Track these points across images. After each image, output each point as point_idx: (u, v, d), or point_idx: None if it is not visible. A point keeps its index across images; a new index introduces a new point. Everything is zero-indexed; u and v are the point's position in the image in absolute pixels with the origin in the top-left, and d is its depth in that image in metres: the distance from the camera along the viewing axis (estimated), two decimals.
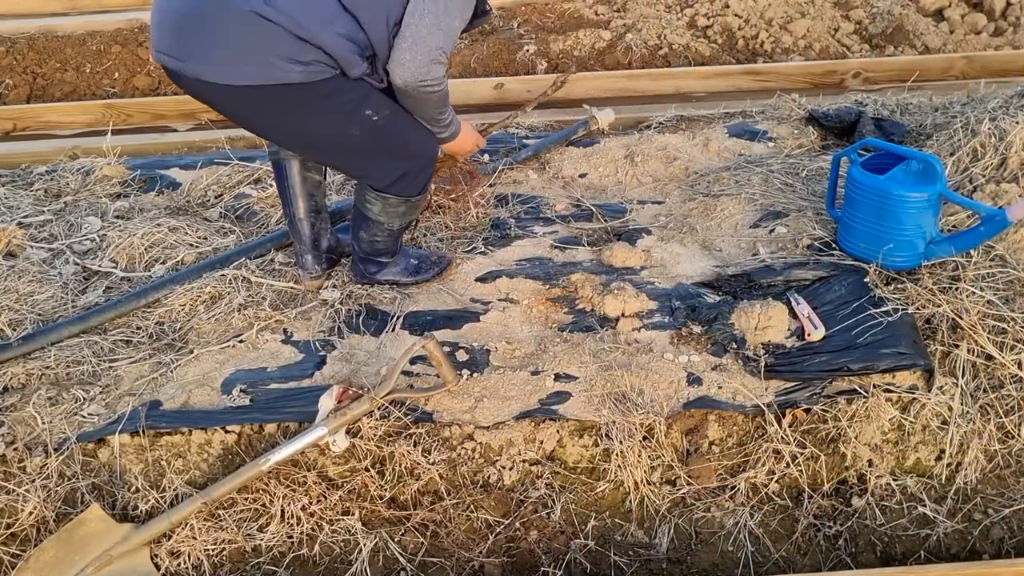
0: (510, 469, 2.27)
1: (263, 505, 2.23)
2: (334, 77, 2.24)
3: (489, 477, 2.27)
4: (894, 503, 2.27)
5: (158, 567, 2.15)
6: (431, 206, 3.07)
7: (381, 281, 2.74)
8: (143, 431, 2.26)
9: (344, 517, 2.23)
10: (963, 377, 2.32)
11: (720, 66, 4.59)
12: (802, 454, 2.27)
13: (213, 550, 2.18)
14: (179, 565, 2.18)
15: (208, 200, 3.31)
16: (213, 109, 2.38)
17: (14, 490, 2.19)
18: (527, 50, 4.74)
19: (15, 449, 2.25)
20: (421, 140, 2.48)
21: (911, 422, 2.28)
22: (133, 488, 2.24)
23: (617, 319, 2.55)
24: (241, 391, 2.36)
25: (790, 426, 2.29)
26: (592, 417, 2.28)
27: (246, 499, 2.23)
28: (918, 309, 2.45)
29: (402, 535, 2.23)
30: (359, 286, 2.74)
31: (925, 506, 2.26)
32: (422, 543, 2.22)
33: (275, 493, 2.21)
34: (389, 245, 2.68)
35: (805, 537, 2.26)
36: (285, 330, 2.57)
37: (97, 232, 3.03)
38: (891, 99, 3.63)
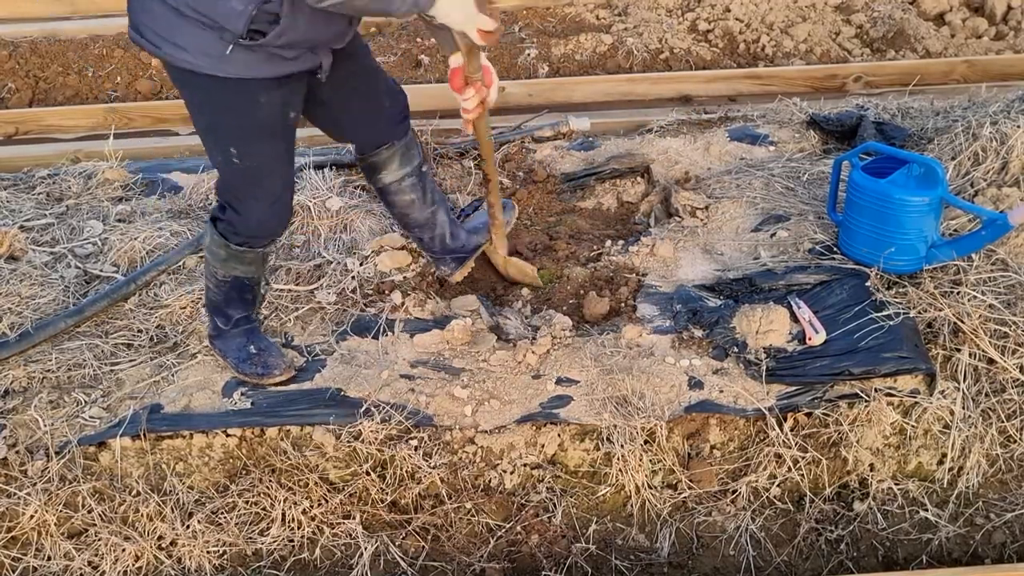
0: (511, 473, 2.27)
1: (264, 509, 2.23)
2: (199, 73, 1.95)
3: (490, 481, 2.27)
4: (896, 507, 2.27)
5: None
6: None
7: (215, 348, 2.46)
8: (144, 434, 2.26)
9: (345, 521, 2.23)
10: (965, 381, 2.32)
11: (721, 70, 4.59)
12: (803, 458, 2.27)
13: (214, 553, 2.19)
14: (181, 568, 2.18)
15: (210, 204, 3.31)
16: None
17: (15, 493, 2.19)
18: (528, 54, 4.74)
19: (16, 452, 2.25)
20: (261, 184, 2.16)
21: (913, 426, 2.28)
22: (134, 492, 2.24)
23: None
24: (242, 394, 2.36)
25: (791, 430, 2.29)
26: (593, 421, 2.27)
27: (247, 502, 2.23)
28: (920, 313, 2.45)
29: (403, 539, 2.23)
30: (357, 286, 2.72)
31: (927, 510, 2.26)
32: (423, 547, 2.22)
33: (276, 496, 2.21)
34: (217, 300, 2.38)
35: (807, 541, 2.25)
36: (285, 333, 2.57)
37: (99, 236, 3.03)
38: (892, 103, 3.63)
